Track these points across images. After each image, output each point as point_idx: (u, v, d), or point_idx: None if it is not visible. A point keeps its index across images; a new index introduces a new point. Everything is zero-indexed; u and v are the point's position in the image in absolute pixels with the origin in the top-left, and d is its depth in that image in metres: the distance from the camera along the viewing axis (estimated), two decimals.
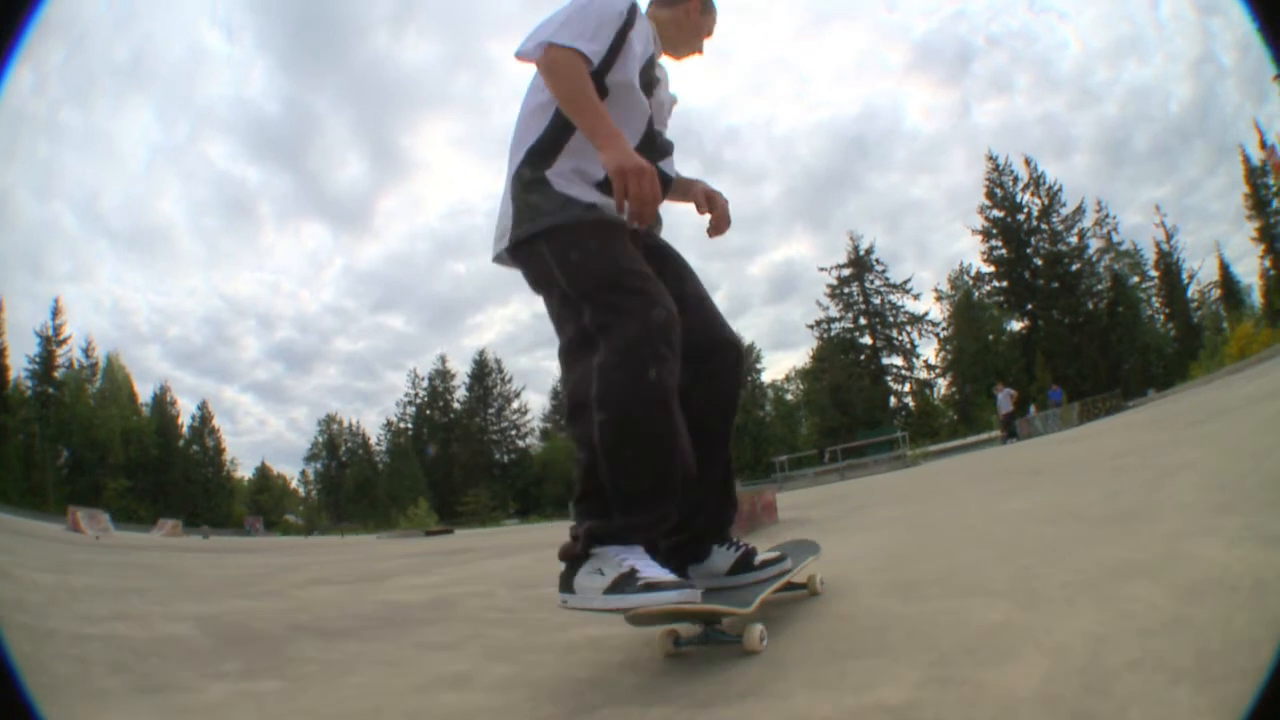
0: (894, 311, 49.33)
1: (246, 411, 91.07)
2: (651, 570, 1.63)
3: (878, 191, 67.25)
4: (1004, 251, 44.27)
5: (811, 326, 50.58)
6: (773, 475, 31.36)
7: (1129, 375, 37.07)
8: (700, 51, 2.35)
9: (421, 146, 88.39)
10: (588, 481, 1.75)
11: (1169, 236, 42.40)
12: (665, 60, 2.24)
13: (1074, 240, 43.01)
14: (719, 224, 2.31)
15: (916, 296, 48.95)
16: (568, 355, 1.88)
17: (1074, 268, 42.60)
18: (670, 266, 2.14)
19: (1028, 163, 44.56)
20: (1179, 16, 52.85)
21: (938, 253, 77.18)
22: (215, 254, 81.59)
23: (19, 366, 50.82)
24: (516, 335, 79.20)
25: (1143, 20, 57.30)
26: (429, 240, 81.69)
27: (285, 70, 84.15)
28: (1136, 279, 43.20)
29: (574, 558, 1.72)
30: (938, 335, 47.74)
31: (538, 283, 1.96)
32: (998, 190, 44.62)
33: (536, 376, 78.09)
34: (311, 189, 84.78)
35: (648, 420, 1.69)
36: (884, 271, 49.61)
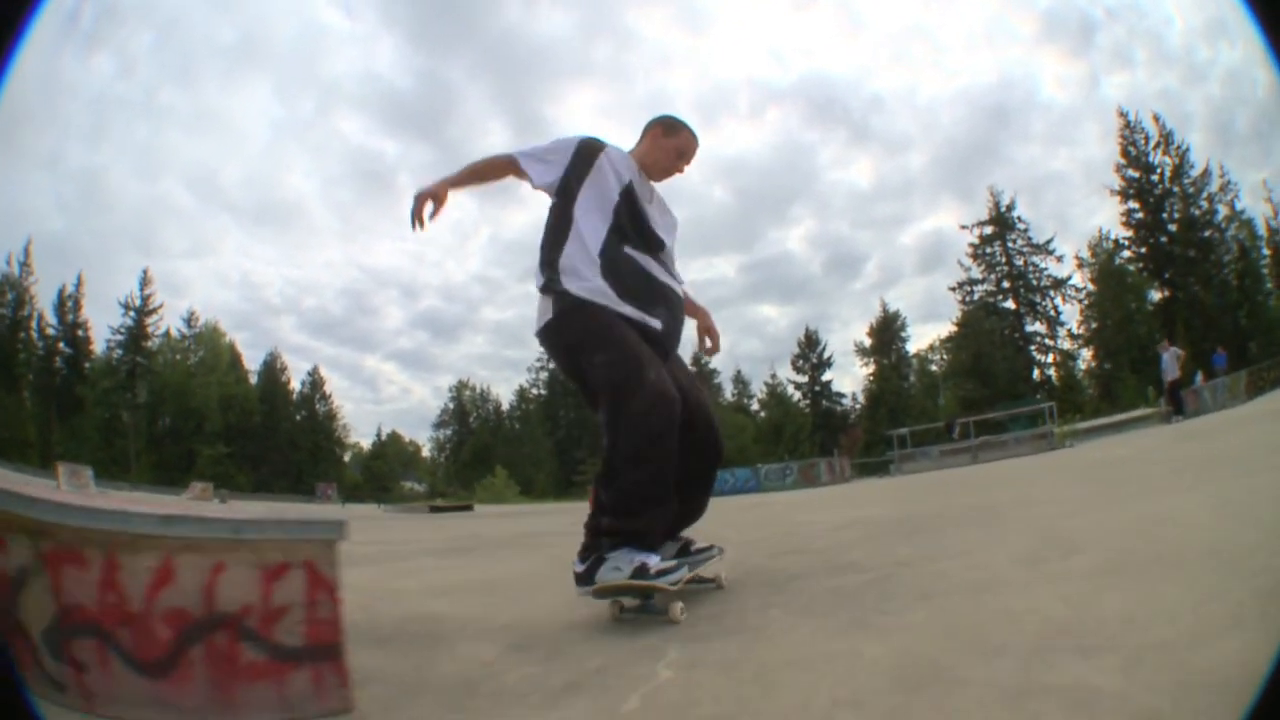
0: (1037, 274, 48.88)
1: (389, 380, 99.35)
2: (657, 561, 2.44)
3: (1019, 163, 67.93)
4: (1141, 215, 44.46)
5: (954, 289, 50.65)
6: (888, 453, 30.44)
7: (1257, 354, 35.63)
8: (681, 170, 2.97)
9: (565, 115, 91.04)
10: None
11: (1277, 213, 42.21)
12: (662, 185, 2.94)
13: (1204, 205, 43.06)
14: (711, 352, 3.40)
15: (1059, 258, 48.57)
16: None
17: (1206, 234, 42.58)
18: None
19: (1156, 119, 44.74)
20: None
21: (1077, 227, 79.28)
22: (352, 226, 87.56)
23: (103, 339, 53.92)
24: None
25: (1224, 2, 56.37)
26: None
27: (414, 45, 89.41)
28: (1254, 254, 42.89)
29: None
30: (1081, 302, 47.48)
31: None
32: (1131, 149, 44.97)
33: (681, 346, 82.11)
34: (453, 159, 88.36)
35: None
36: (1026, 231, 49.23)
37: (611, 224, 2.70)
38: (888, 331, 53.55)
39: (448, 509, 27.61)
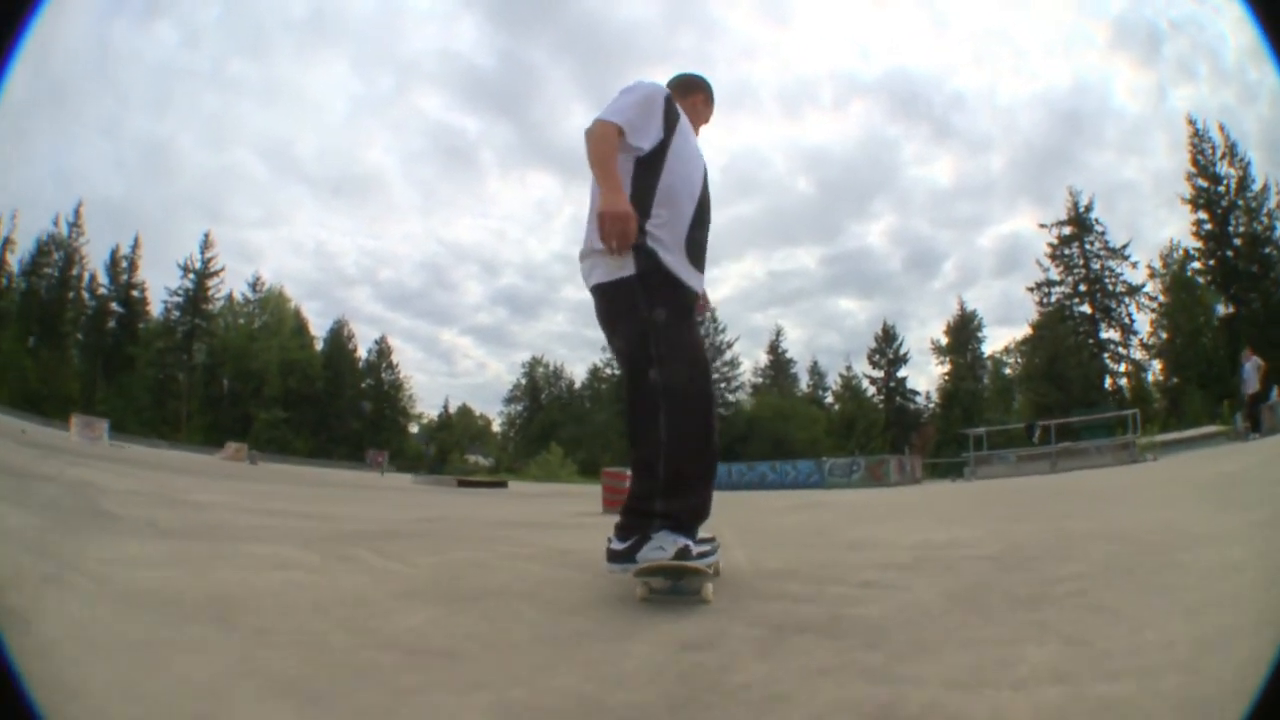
0: (1113, 279, 48.82)
1: (465, 354, 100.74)
2: (698, 544, 2.57)
3: (1093, 169, 67.17)
4: (1210, 226, 44.02)
5: (1031, 289, 50.46)
6: (962, 454, 28.87)
7: None
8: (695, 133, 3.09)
9: None
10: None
11: None
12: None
13: (1264, 220, 42.67)
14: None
15: (1135, 264, 48.38)
16: None
17: (1266, 251, 42.15)
18: None
19: (1222, 129, 44.30)
20: None
21: (1147, 238, 78.22)
22: (432, 201, 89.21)
23: (159, 300, 55.13)
24: (751, 292, 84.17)
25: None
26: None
27: (494, 24, 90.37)
28: None
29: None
30: (1154, 312, 47.44)
31: None
32: (1200, 157, 44.57)
33: (758, 335, 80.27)
34: (536, 139, 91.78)
35: None
36: (1103, 234, 49.14)
37: (695, 209, 2.80)
38: (965, 331, 53.94)
39: (477, 484, 26.59)
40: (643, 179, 2.71)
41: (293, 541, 4.10)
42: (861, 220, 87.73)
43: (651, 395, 2.54)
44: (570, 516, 8.16)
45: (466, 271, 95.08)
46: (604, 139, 2.63)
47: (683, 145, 2.81)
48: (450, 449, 62.14)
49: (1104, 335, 49.24)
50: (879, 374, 56.30)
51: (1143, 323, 48.94)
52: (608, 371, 60.83)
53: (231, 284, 57.77)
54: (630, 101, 2.72)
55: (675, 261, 2.68)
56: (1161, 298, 46.93)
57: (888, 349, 56.46)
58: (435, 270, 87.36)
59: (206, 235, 57.98)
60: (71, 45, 62.24)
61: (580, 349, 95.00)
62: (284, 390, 54.82)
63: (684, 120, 2.91)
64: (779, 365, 61.99)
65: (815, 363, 63.21)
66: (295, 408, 55.10)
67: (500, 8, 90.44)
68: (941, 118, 78.05)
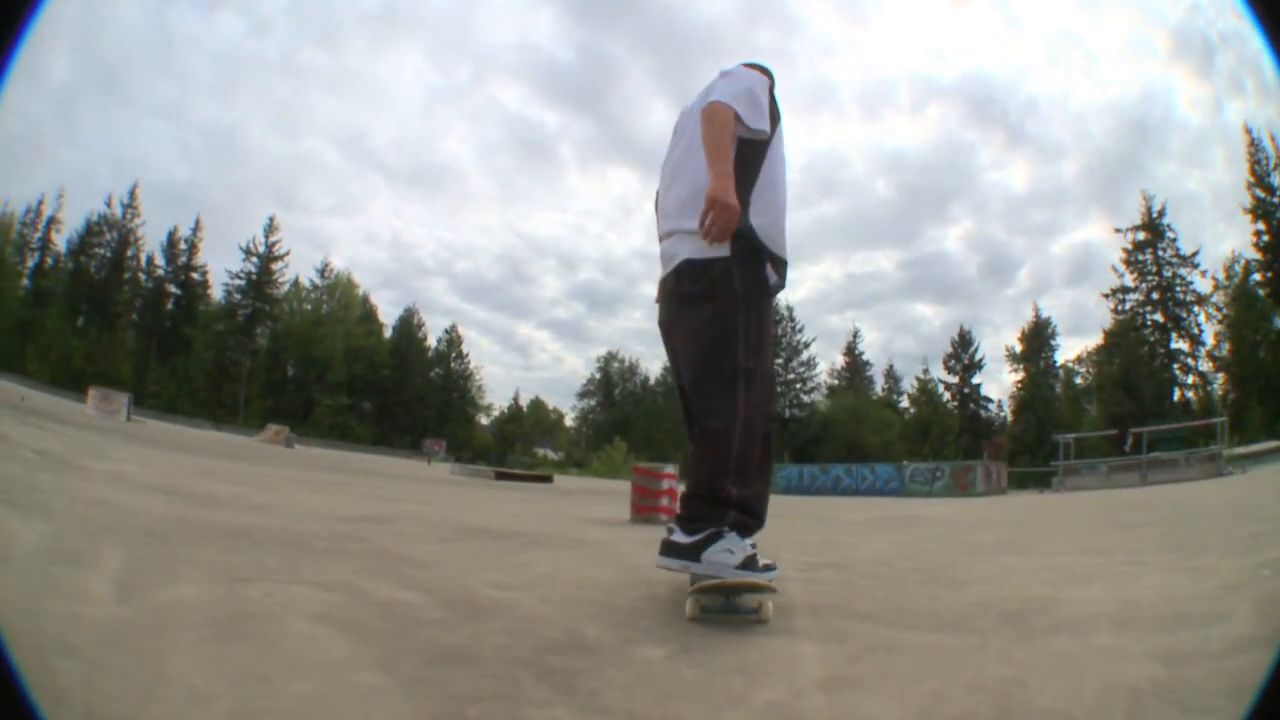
0: (1184, 288, 49.02)
1: (542, 348, 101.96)
2: (760, 558, 2.39)
3: (1159, 179, 69.34)
4: (1268, 238, 44.26)
5: (1106, 295, 50.54)
6: (1052, 463, 28.81)
7: None
8: None
9: None
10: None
11: None
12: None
13: None
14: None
15: (1204, 273, 48.48)
16: None
17: None
18: None
19: (1274, 140, 44.39)
20: None
21: (1209, 251, 76.71)
22: (511, 193, 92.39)
23: (220, 284, 56.13)
24: (828, 294, 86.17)
25: None
26: None
27: (573, 18, 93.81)
28: None
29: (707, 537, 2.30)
30: (1219, 322, 47.73)
31: None
32: (1258, 167, 45.00)
33: (835, 337, 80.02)
34: (616, 134, 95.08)
35: None
36: (1174, 240, 49.24)
37: (785, 200, 2.79)
38: (1039, 338, 54.08)
39: (516, 477, 25.39)
40: (746, 165, 2.63)
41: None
42: (939, 224, 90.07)
43: (731, 374, 2.44)
44: (576, 524, 6.32)
45: (545, 265, 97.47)
46: (725, 123, 2.57)
47: (779, 136, 2.80)
48: (516, 440, 62.97)
49: (1174, 345, 49.41)
50: (954, 379, 56.71)
51: (1209, 335, 49.31)
52: None
53: (299, 269, 60.71)
54: (744, 87, 2.67)
55: (771, 247, 2.66)
56: (1226, 309, 47.35)
57: (963, 354, 56.97)
58: (513, 263, 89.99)
59: (271, 219, 58.99)
60: (126, 30, 66.64)
61: (656, 345, 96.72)
62: (348, 376, 55.34)
63: (780, 125, 2.82)
64: (855, 367, 62.41)
65: (891, 366, 63.61)
66: (360, 394, 55.82)
67: (579, 2, 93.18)
68: (1016, 124, 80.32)
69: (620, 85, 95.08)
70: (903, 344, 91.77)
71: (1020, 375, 54.13)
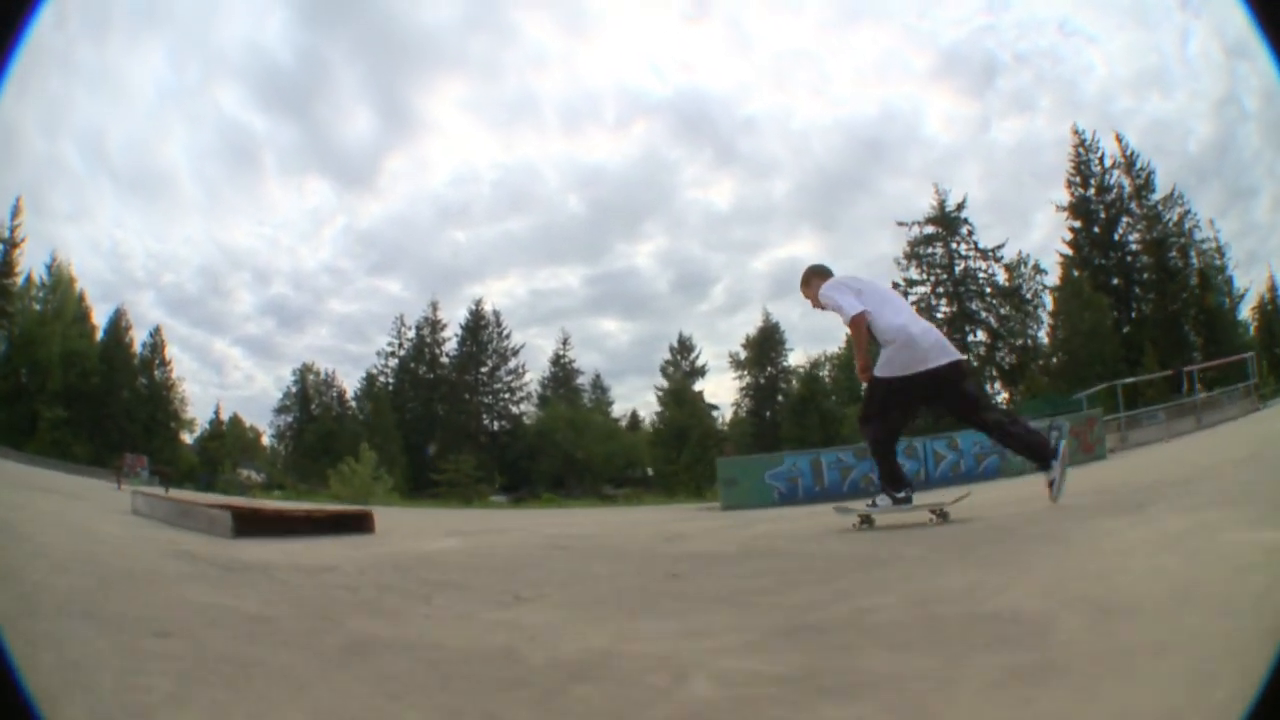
0: (983, 281, 50.40)
1: (235, 365, 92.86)
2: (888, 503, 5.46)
3: (889, 196, 72.85)
4: (1095, 231, 46.54)
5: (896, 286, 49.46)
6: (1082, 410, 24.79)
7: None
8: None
9: (432, 106, 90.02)
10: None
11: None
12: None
13: (1171, 225, 46.00)
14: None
15: (1009, 267, 50.22)
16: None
17: (1172, 255, 45.51)
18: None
19: (1119, 138, 46.89)
20: (1207, 55, 57.48)
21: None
22: (216, 203, 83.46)
23: None
24: (512, 310, 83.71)
25: (1170, 54, 61.88)
26: (432, 205, 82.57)
27: (303, 17, 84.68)
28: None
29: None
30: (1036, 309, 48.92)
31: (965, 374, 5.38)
32: (1083, 167, 47.40)
33: (527, 353, 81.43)
34: (318, 142, 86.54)
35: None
36: (971, 235, 50.48)
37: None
38: (767, 343, 54.54)
39: (291, 521, 13.47)
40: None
41: None
42: (631, 241, 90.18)
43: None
44: None
45: (240, 279, 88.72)
46: (858, 333, 5.43)
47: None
48: (221, 460, 56.77)
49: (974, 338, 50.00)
50: (668, 386, 55.14)
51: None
52: (382, 380, 58.64)
53: (33, 261, 52.04)
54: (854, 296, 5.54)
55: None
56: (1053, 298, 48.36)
57: (683, 360, 56.34)
58: (212, 276, 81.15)
59: (18, 200, 51.45)
60: None
61: (343, 364, 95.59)
62: (65, 385, 49.19)
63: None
64: (564, 376, 60.52)
65: (599, 375, 62.52)
66: (75, 406, 49.29)
67: (310, 3, 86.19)
68: (727, 141, 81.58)
69: (330, 91, 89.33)
70: (588, 359, 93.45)
71: (745, 380, 54.17)
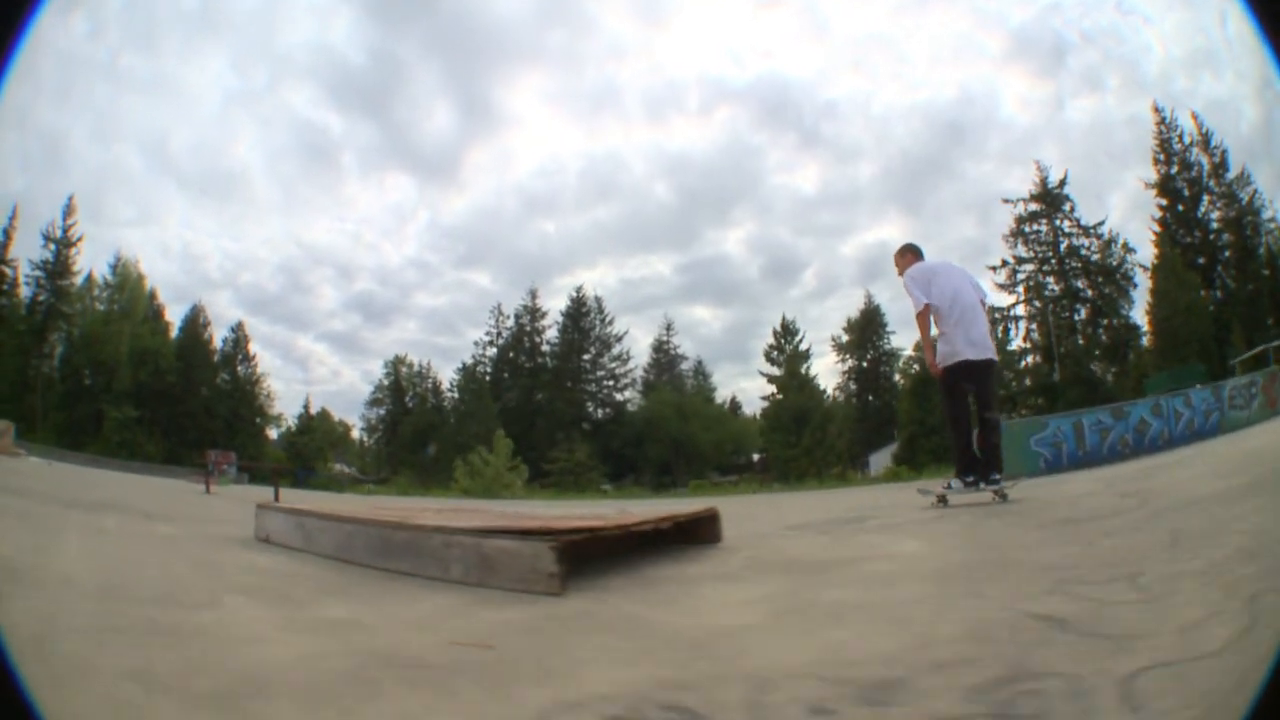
0: (1081, 258, 49.10)
1: (320, 361, 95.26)
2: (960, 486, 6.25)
3: (971, 180, 70.84)
4: (1180, 210, 45.97)
5: (994, 268, 49.80)
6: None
7: None
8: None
9: (512, 100, 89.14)
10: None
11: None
12: None
13: (1245, 205, 45.02)
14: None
15: (1108, 244, 48.80)
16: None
17: (1248, 234, 44.54)
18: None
19: (1195, 117, 46.23)
20: (1243, 37, 56.16)
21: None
22: (293, 201, 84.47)
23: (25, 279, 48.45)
24: (604, 299, 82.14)
25: (1214, 34, 58.79)
26: (517, 196, 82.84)
27: (370, 17, 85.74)
28: None
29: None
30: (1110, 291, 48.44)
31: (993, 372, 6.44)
32: (1166, 145, 46.44)
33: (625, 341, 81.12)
34: (397, 140, 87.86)
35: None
36: (1073, 211, 49.08)
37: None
38: (870, 326, 53.87)
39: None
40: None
41: None
42: (720, 227, 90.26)
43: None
44: None
45: (322, 275, 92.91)
46: (922, 327, 6.33)
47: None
48: (310, 455, 55.72)
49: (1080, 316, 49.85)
50: (779, 371, 53.99)
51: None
52: (480, 370, 57.27)
53: (91, 262, 52.42)
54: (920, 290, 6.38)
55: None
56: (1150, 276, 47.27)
57: (787, 345, 54.57)
58: (292, 273, 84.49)
59: (70, 199, 50.71)
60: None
61: (432, 356, 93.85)
62: (135, 384, 47.80)
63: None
64: (666, 363, 59.79)
65: (700, 362, 61.65)
66: (147, 404, 48.03)
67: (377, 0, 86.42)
68: (811, 126, 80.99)
69: (406, 88, 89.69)
70: (683, 346, 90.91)
71: (849, 364, 53.90)
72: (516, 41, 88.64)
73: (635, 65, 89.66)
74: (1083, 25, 68.51)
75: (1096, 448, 18.12)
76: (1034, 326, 49.47)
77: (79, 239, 49.69)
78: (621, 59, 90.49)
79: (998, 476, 5.98)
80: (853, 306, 77.58)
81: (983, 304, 6.48)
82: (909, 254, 6.72)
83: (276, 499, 10.51)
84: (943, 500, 6.16)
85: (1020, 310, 50.52)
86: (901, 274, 6.53)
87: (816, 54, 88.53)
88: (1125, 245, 49.06)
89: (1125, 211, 71.58)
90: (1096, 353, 48.78)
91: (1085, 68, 68.01)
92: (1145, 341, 47.53)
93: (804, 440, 45.27)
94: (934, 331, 6.26)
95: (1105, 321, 49.40)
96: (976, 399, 6.26)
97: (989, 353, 6.20)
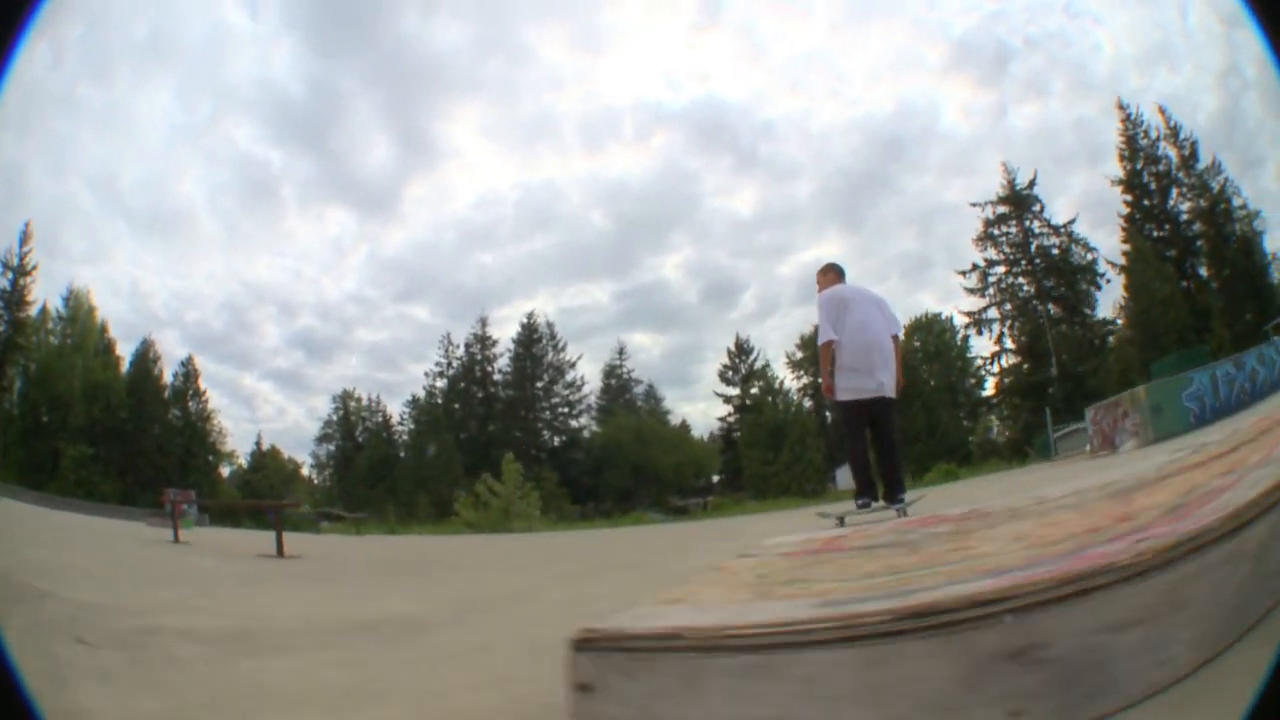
0: (1052, 258, 49.17)
1: (266, 399, 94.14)
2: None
3: (910, 194, 70.26)
4: (1146, 205, 46.29)
5: (963, 273, 49.78)
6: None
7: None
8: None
9: (451, 131, 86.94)
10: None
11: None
12: None
13: (1214, 194, 45.37)
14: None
15: (1073, 242, 49.04)
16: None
17: (1221, 222, 44.86)
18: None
19: (1162, 111, 46.65)
20: (1205, 28, 55.07)
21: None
22: (236, 238, 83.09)
23: None
24: (555, 326, 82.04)
25: (1172, 29, 59.39)
26: (456, 229, 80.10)
27: (311, 49, 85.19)
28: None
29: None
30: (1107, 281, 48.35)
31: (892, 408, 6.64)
32: (1133, 141, 46.77)
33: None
34: (336, 173, 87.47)
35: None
36: (1042, 212, 49.25)
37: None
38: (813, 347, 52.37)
39: None
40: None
41: None
42: (658, 253, 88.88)
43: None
44: None
45: (265, 313, 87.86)
46: (824, 356, 6.72)
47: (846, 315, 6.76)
48: (263, 493, 53.08)
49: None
50: (735, 391, 54.42)
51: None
52: (432, 401, 56.09)
53: (46, 295, 49.52)
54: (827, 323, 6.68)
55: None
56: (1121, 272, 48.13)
57: (741, 364, 54.78)
58: (236, 311, 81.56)
59: (26, 225, 48.96)
60: None
61: (373, 391, 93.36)
62: (89, 420, 46.70)
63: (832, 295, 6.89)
64: (619, 388, 58.90)
65: (651, 385, 60.75)
66: (100, 442, 46.80)
67: (319, 31, 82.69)
68: (747, 148, 79.09)
69: (346, 121, 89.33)
70: (634, 371, 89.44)
71: (804, 379, 53.25)
72: (454, 72, 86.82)
73: (572, 93, 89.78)
74: (1027, 31, 69.46)
75: (1227, 398, 20.06)
76: (1014, 327, 49.88)
77: (33, 267, 47.70)
78: (559, 88, 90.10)
79: (902, 495, 6.32)
80: (793, 327, 77.47)
81: (895, 339, 6.83)
82: (830, 273, 7.13)
83: (280, 550, 9.40)
84: (841, 522, 6.39)
85: (993, 313, 50.68)
86: (820, 291, 6.95)
87: (753, 75, 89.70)
88: (1085, 245, 49.76)
89: (1074, 211, 71.12)
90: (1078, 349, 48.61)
91: (1029, 73, 68.73)
92: (1111, 340, 48.75)
93: (783, 456, 45.21)
94: (838, 362, 6.59)
95: (1078, 319, 49.38)
96: (874, 430, 6.52)
97: (889, 391, 6.50)
